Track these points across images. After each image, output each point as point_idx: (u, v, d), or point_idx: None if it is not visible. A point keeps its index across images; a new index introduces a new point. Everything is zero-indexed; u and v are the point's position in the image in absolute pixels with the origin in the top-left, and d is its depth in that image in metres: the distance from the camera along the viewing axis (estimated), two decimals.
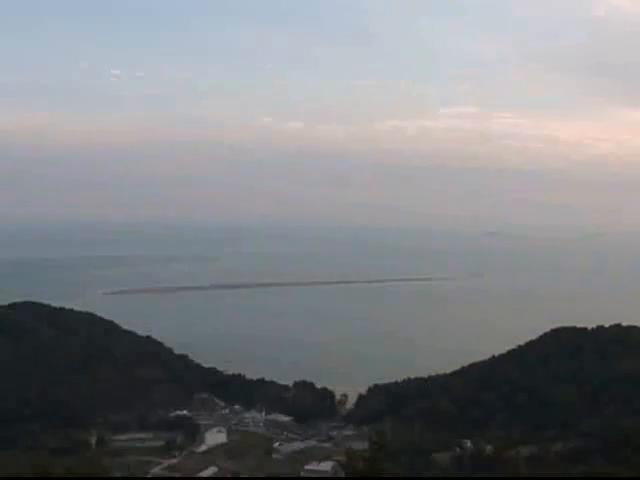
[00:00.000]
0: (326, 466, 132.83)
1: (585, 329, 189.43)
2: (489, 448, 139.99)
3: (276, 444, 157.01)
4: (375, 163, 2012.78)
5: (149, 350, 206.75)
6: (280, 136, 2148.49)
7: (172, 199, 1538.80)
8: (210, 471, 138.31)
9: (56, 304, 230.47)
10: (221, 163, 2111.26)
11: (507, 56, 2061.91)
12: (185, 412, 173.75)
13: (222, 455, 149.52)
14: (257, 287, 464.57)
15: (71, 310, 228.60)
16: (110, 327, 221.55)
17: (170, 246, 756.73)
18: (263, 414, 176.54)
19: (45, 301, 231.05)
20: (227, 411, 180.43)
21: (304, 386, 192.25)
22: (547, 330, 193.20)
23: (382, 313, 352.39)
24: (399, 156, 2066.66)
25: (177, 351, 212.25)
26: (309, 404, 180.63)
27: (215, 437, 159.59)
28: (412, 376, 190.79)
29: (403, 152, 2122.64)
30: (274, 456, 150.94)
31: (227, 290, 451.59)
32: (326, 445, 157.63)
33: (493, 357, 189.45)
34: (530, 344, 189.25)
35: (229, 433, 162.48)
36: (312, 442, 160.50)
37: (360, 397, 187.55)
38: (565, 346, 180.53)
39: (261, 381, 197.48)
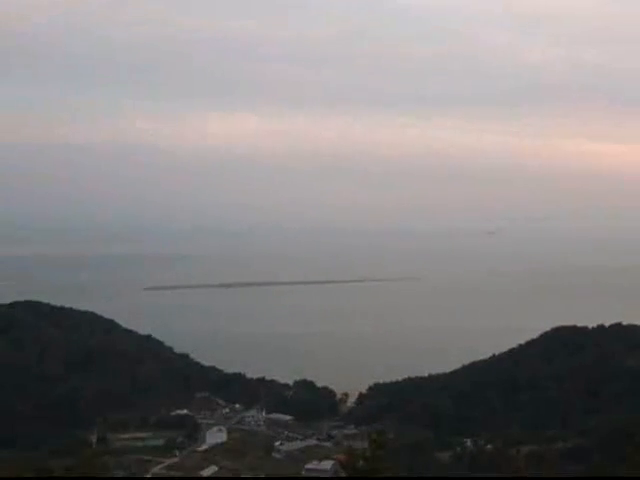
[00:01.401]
0: (326, 465, 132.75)
1: (586, 328, 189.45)
2: (489, 447, 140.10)
3: (276, 443, 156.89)
4: None
5: (150, 349, 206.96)
6: None
7: None
8: (210, 470, 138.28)
9: (57, 303, 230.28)
10: None
11: None
12: (186, 411, 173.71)
13: (222, 454, 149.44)
14: None
15: (71, 309, 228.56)
16: (110, 326, 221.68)
17: None
18: (263, 413, 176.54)
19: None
20: (227, 410, 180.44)
21: (304, 385, 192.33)
22: (547, 329, 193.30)
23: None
24: None
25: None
26: (309, 403, 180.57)
27: (215, 436, 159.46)
28: (412, 375, 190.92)
29: None
30: (274, 455, 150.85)
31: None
32: (326, 444, 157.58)
33: (493, 356, 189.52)
34: (531, 343, 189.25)
35: (229, 432, 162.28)
36: (312, 441, 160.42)
37: (360, 396, 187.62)
38: (566, 345, 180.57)
39: (261, 380, 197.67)
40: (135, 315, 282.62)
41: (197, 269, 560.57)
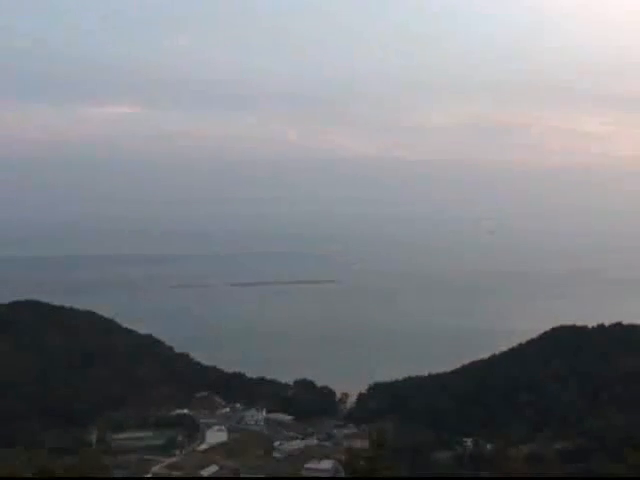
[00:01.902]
0: (326, 465, 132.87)
1: (585, 327, 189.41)
2: (489, 447, 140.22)
3: (276, 443, 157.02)
4: None
5: (149, 348, 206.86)
6: None
7: None
8: (210, 470, 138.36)
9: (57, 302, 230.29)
10: None
11: None
12: (185, 411, 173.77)
13: (222, 454, 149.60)
14: None
15: (71, 308, 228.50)
16: (110, 325, 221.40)
17: None
18: (263, 413, 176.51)
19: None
20: (227, 410, 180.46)
21: (304, 385, 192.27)
22: (547, 329, 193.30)
23: None
24: None
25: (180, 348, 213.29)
26: (309, 403, 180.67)
27: (215, 436, 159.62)
28: (412, 375, 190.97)
29: None
30: (274, 455, 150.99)
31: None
32: (326, 444, 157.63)
33: (493, 355, 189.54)
34: (530, 343, 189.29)
35: (229, 432, 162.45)
36: (312, 441, 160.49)
37: (360, 396, 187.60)
38: (565, 345, 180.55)
39: (261, 379, 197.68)
40: None
41: None
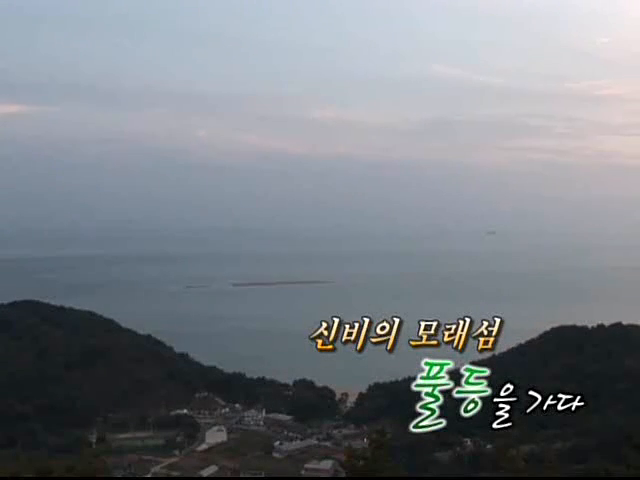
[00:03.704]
0: (326, 465, 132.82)
1: (585, 327, 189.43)
2: (489, 447, 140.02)
3: (276, 443, 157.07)
4: None
5: (149, 348, 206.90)
6: None
7: None
8: (210, 470, 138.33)
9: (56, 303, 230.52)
10: None
11: None
12: (185, 411, 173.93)
13: (222, 454, 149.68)
14: None
15: (71, 308, 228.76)
16: (110, 326, 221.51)
17: None
18: (263, 413, 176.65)
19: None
20: (227, 410, 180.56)
21: (304, 384, 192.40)
22: (547, 329, 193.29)
23: None
24: None
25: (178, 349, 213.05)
26: (309, 403, 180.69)
27: (215, 436, 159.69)
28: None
29: None
30: (274, 455, 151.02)
31: None
32: (326, 444, 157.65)
33: (493, 355, 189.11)
34: (530, 342, 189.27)
35: (229, 432, 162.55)
36: (312, 441, 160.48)
37: (360, 396, 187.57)
38: (565, 344, 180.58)
39: (261, 380, 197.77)
40: None
41: None
